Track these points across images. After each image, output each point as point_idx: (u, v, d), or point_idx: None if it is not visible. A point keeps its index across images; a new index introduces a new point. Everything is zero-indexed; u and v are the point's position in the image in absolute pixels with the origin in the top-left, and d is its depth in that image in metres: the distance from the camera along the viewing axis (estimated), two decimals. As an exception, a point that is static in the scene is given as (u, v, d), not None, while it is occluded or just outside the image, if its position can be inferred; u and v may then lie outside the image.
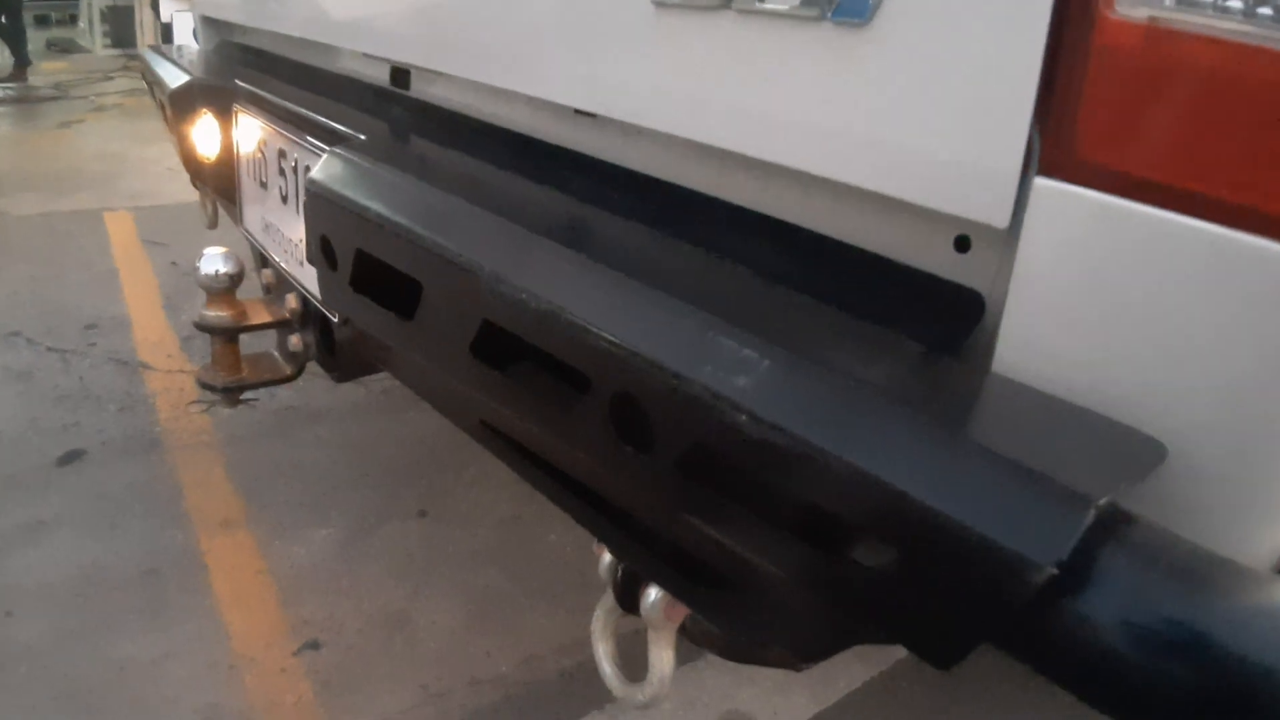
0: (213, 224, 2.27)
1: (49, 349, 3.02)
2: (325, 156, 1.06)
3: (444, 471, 2.46)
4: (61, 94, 7.81)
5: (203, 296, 1.60)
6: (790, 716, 1.75)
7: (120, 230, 4.27)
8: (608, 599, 0.88)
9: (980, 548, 0.43)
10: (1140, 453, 0.50)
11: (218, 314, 1.40)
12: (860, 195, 0.72)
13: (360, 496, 2.34)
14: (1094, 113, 0.53)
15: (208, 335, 1.63)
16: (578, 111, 0.99)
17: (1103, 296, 0.52)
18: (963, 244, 0.67)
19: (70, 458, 2.43)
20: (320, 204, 1.02)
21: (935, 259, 0.68)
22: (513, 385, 0.76)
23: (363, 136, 1.16)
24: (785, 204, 0.80)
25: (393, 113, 1.40)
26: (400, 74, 1.49)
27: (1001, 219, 0.55)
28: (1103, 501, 0.44)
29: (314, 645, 1.86)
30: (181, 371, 2.91)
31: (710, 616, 0.72)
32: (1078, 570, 0.43)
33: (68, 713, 1.67)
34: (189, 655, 1.82)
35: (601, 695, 1.78)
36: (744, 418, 0.52)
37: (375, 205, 0.90)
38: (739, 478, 0.56)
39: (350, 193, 0.96)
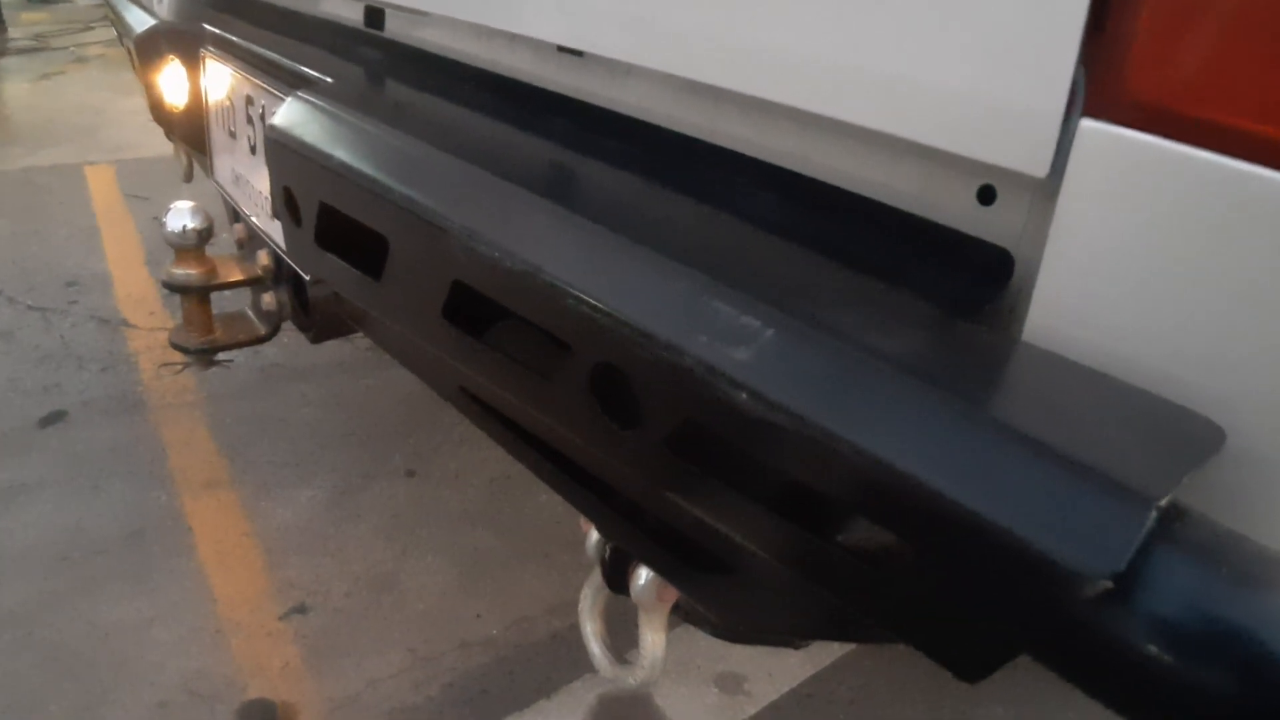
0: (188, 177, 2.17)
1: (30, 307, 2.93)
2: (286, 101, 0.97)
3: (432, 430, 2.39)
4: (41, 45, 7.57)
5: None
6: (785, 678, 1.71)
7: (101, 184, 4.13)
8: (595, 577, 0.82)
9: (1023, 555, 0.36)
10: (1196, 437, 0.43)
11: (186, 272, 1.31)
12: (871, 140, 0.64)
13: (346, 456, 2.28)
14: (1151, 45, 0.45)
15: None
16: (561, 49, 0.90)
17: (1156, 255, 0.45)
18: (987, 195, 0.59)
19: (52, 419, 2.35)
20: (282, 153, 0.93)
21: (955, 212, 0.60)
22: (487, 352, 0.69)
23: (328, 80, 1.06)
24: (787, 149, 0.72)
25: (364, 55, 1.30)
26: (374, 14, 1.38)
27: (1040, 167, 0.47)
28: (1164, 502, 0.37)
29: (301, 609, 1.81)
30: (163, 329, 2.82)
31: (706, 603, 0.66)
32: (1135, 579, 0.36)
33: (53, 679, 1.62)
34: (174, 620, 1.76)
35: (593, 657, 1.73)
36: (744, 396, 0.45)
37: (338, 153, 0.82)
38: (737, 460, 0.49)
39: (312, 140, 0.87)
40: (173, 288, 1.34)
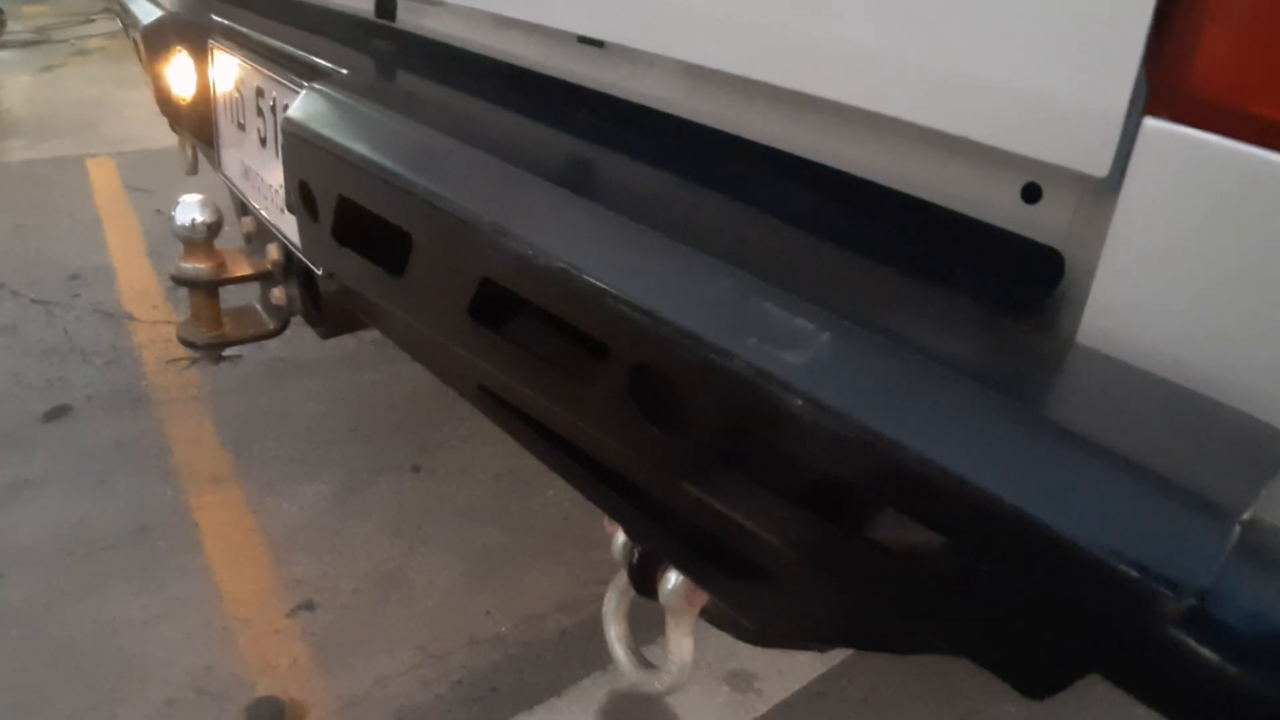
0: (193, 170, 2.14)
1: (33, 301, 2.90)
2: (302, 93, 0.95)
3: (438, 425, 2.37)
4: (43, 38, 7.52)
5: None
6: (796, 677, 1.70)
7: (103, 177, 4.11)
8: (620, 580, 0.80)
9: (1103, 572, 0.35)
10: (1265, 448, 0.42)
11: (195, 266, 1.29)
12: (910, 134, 0.62)
13: (352, 451, 2.26)
14: (1218, 41, 0.43)
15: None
16: (581, 39, 0.88)
17: (1220, 258, 0.43)
18: (1031, 193, 0.57)
19: (56, 413, 2.33)
20: (298, 146, 0.91)
21: (998, 209, 0.59)
22: (517, 352, 0.67)
23: (344, 71, 1.04)
24: (823, 144, 0.70)
25: (377, 46, 1.28)
26: (386, 3, 1.36)
27: (1099, 166, 0.46)
28: (1246, 516, 0.35)
29: (308, 606, 1.79)
30: (167, 323, 2.80)
31: (742, 610, 0.64)
32: (1219, 596, 0.35)
33: (60, 676, 1.60)
34: (181, 616, 1.75)
35: (603, 655, 1.71)
36: (799, 402, 0.43)
37: (358, 146, 0.80)
38: (788, 468, 0.48)
39: (330, 133, 0.85)
40: (181, 282, 1.32)
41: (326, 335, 1.31)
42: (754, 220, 0.65)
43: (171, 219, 1.31)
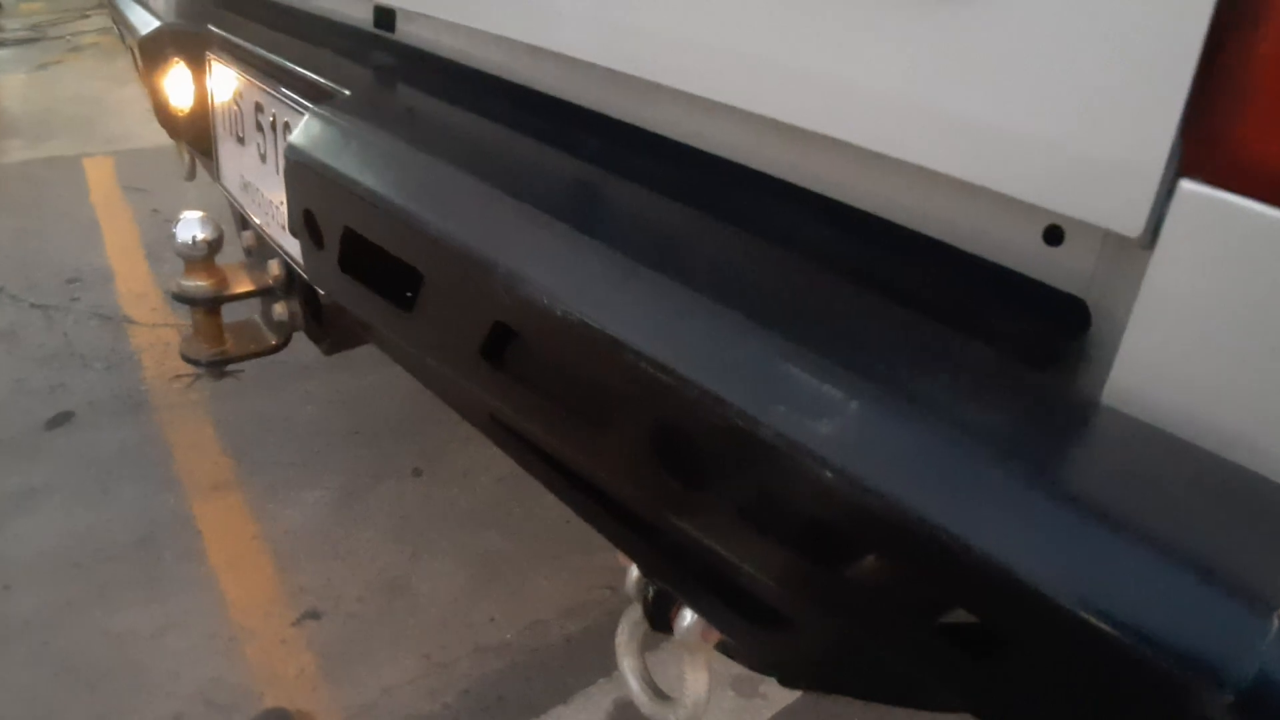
0: (190, 175, 2.11)
1: (32, 305, 2.88)
2: (305, 118, 0.93)
3: (438, 427, 2.36)
4: (38, 35, 7.43)
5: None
6: (800, 681, 1.70)
7: (100, 176, 4.07)
8: (634, 612, 0.79)
9: (1137, 664, 0.34)
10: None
11: (197, 283, 1.27)
12: (928, 175, 0.61)
13: (352, 455, 2.25)
14: (1263, 105, 0.41)
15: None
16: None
17: (1264, 325, 0.42)
18: (1054, 235, 0.56)
19: (59, 420, 2.31)
20: (302, 174, 0.89)
21: (1017, 251, 0.57)
22: (530, 396, 0.65)
23: (347, 92, 1.02)
24: (833, 178, 0.68)
25: (377, 60, 1.26)
26: (384, 15, 1.34)
27: (1132, 226, 0.44)
28: (1288, 603, 0.34)
29: (313, 614, 1.78)
30: (166, 325, 2.78)
31: (763, 657, 0.63)
32: (1259, 692, 0.34)
33: (69, 690, 1.59)
34: (188, 627, 1.74)
35: (609, 662, 1.71)
36: (829, 475, 0.42)
37: (365, 179, 0.78)
38: (815, 532, 0.46)
39: (336, 163, 0.83)
40: (183, 300, 1.30)
41: (329, 351, 1.30)
42: (772, 261, 0.64)
43: (172, 236, 1.29)
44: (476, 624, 1.78)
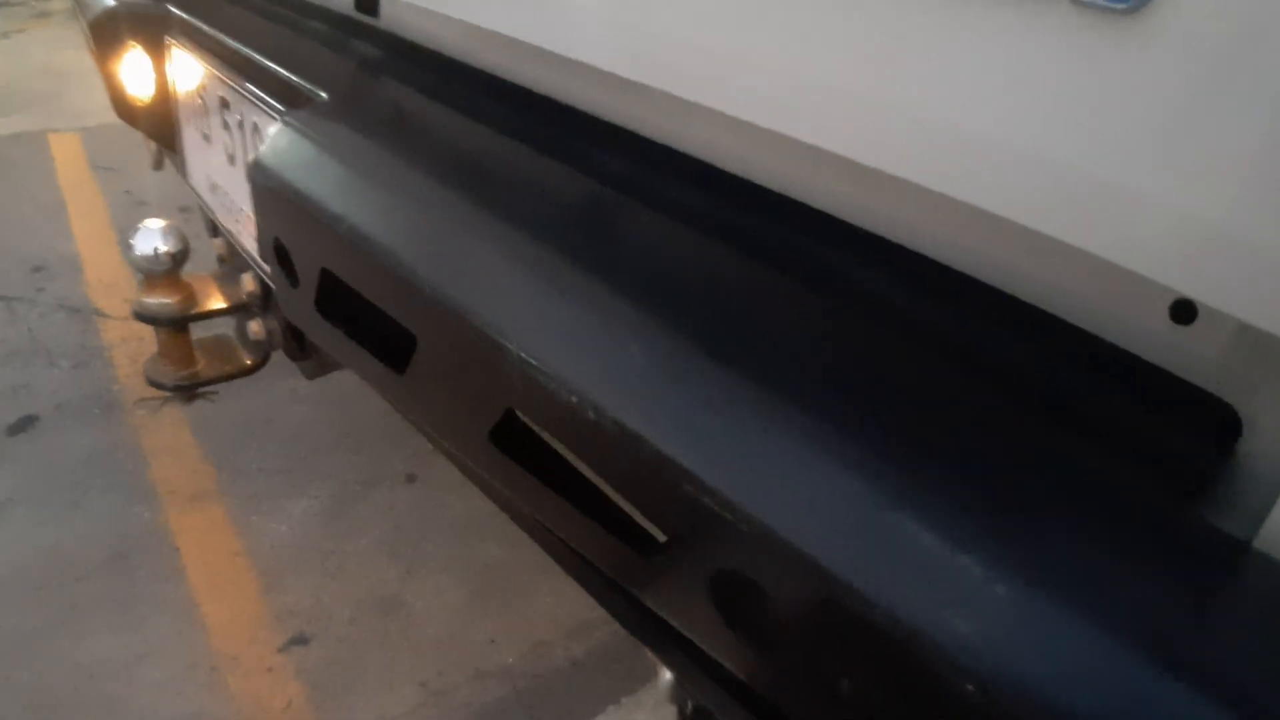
0: (157, 165, 1.95)
1: (-7, 296, 2.70)
2: (272, 131, 0.78)
3: (431, 428, 2.22)
4: (1, 1, 7.10)
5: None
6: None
7: (67, 154, 3.86)
8: (667, 714, 0.67)
9: None
10: None
11: (160, 301, 1.13)
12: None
13: (341, 460, 2.11)
14: None
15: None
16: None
17: None
18: (1184, 313, 0.42)
19: (23, 425, 2.16)
20: (270, 199, 0.75)
21: (1137, 329, 0.44)
22: (551, 499, 0.52)
23: (323, 95, 0.87)
24: (919, 228, 0.55)
25: (358, 51, 1.10)
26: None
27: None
28: None
29: (302, 639, 1.66)
30: (141, 318, 2.61)
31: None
32: None
33: (34, 727, 1.47)
34: (165, 655, 1.61)
35: (617, 688, 1.60)
36: (971, 688, 0.29)
37: (347, 215, 0.64)
38: (896, 706, 0.34)
39: (310, 189, 0.69)
40: (145, 319, 1.15)
41: (313, 375, 1.16)
42: (849, 331, 0.50)
43: (130, 248, 1.14)
44: (476, 646, 1.67)
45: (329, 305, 0.71)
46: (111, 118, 4.46)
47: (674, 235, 0.55)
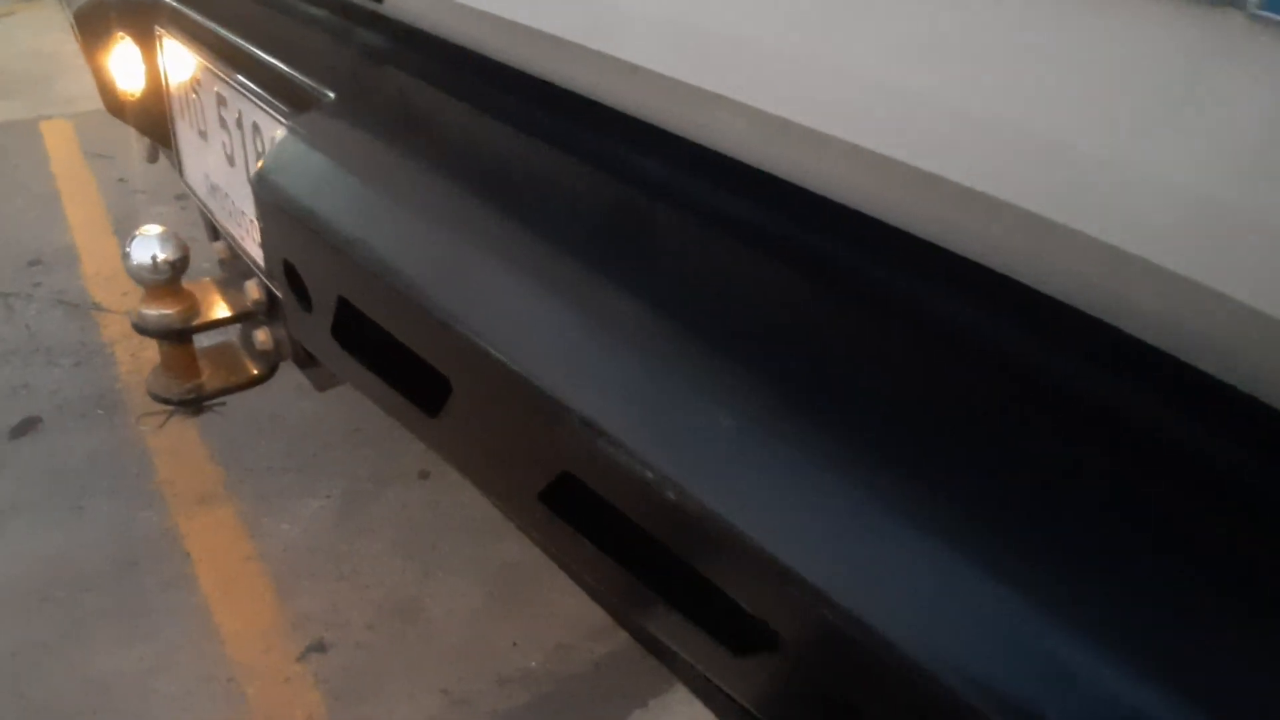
0: (152, 158, 1.86)
1: (-11, 292, 2.63)
2: (276, 140, 0.70)
3: (442, 421, 2.16)
4: (-16, -19, 6.93)
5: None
6: None
7: (59, 142, 3.75)
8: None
9: None
10: None
11: (161, 313, 1.05)
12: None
13: (353, 457, 2.04)
14: None
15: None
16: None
17: None
18: None
19: (24, 427, 2.09)
20: (277, 216, 0.68)
21: (1251, 367, 0.37)
22: (614, 570, 0.46)
23: (330, 95, 0.79)
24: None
25: (364, 42, 1.01)
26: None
27: None
28: None
29: (319, 647, 1.60)
30: (141, 312, 2.53)
31: None
32: None
33: (46, 745, 1.42)
34: (180, 667, 1.55)
35: (643, 690, 1.55)
36: None
37: (367, 243, 0.56)
38: None
39: (324, 210, 0.61)
40: (146, 332, 1.08)
41: (324, 386, 1.09)
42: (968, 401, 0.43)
43: (126, 257, 1.07)
44: (497, 650, 1.61)
45: (347, 333, 0.64)
46: (101, 103, 4.33)
47: (768, 264, 0.48)
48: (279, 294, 0.71)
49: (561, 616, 1.68)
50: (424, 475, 2.00)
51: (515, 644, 1.62)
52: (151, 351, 2.36)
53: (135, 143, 1.81)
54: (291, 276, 0.68)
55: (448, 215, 0.53)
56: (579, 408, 0.42)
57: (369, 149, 0.64)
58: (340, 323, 0.63)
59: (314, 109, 0.74)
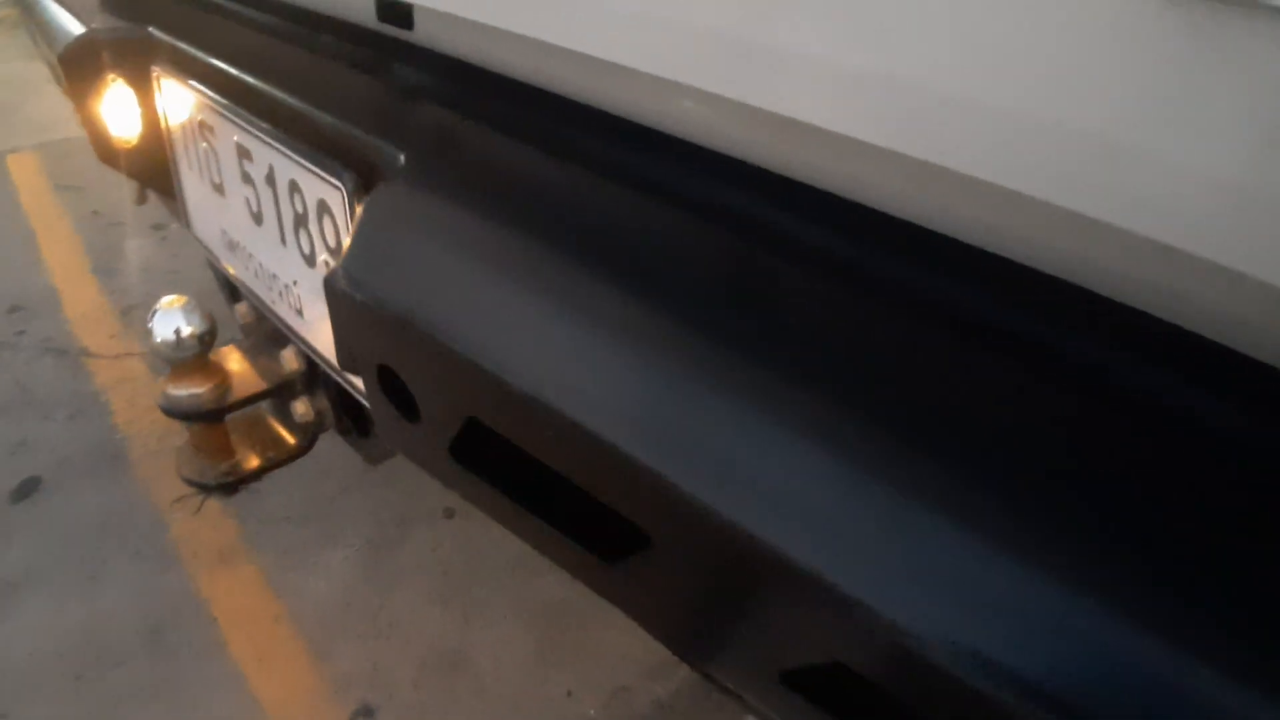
0: (140, 200, 1.72)
1: (-29, 343, 2.46)
2: (358, 226, 0.59)
3: (463, 451, 2.05)
4: (-72, 7, 6.60)
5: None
6: None
7: (27, 176, 3.56)
8: None
9: None
10: None
11: (191, 392, 0.93)
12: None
13: (373, 500, 1.93)
14: None
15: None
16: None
17: None
18: None
19: (26, 489, 1.95)
20: (366, 319, 0.57)
21: None
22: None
23: (400, 158, 0.68)
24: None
25: (406, 79, 0.88)
26: (394, 8, 0.96)
27: None
28: None
29: (367, 711, 1.50)
30: (130, 355, 2.39)
31: None
32: None
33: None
34: (220, 744, 1.45)
35: (712, 732, 1.47)
36: None
37: (510, 361, 0.46)
38: None
39: (440, 318, 0.51)
40: (175, 415, 0.96)
41: (377, 460, 0.98)
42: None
43: (149, 332, 0.95)
44: (553, 700, 1.52)
45: (472, 457, 0.53)
46: (69, 131, 4.13)
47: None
48: (365, 402, 0.60)
49: (615, 656, 1.59)
50: (450, 513, 1.90)
51: (570, 693, 1.53)
52: (149, 398, 2.23)
53: (123, 185, 1.67)
54: (388, 382, 0.58)
55: (622, 324, 0.43)
56: (850, 594, 0.33)
57: (486, 232, 0.52)
58: (466, 442, 0.53)
59: (392, 179, 0.63)
